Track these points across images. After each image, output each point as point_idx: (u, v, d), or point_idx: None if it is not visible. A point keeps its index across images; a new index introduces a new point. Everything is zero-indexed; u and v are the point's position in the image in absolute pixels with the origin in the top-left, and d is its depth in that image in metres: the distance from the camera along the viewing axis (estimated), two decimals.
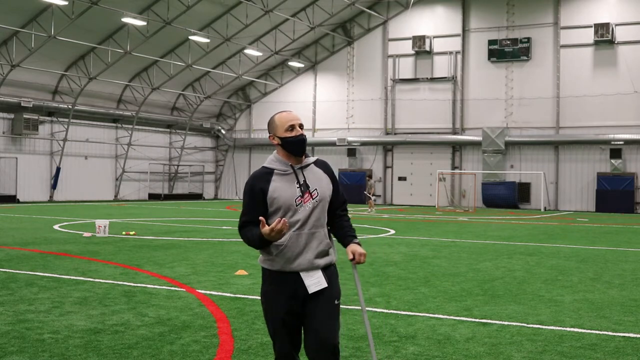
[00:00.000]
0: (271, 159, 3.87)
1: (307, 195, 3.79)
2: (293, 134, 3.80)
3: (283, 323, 3.83)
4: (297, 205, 3.75)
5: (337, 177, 28.56)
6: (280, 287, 3.80)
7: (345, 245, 3.98)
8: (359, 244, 3.96)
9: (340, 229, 4.01)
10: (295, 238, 3.76)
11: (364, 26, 43.38)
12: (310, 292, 3.78)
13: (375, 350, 4.27)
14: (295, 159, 3.84)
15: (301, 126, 3.84)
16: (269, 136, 3.89)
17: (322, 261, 3.84)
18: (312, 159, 3.92)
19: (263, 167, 3.87)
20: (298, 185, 3.79)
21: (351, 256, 3.88)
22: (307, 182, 3.82)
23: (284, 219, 3.62)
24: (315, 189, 3.83)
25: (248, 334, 6.47)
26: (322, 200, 3.85)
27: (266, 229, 3.61)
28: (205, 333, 6.50)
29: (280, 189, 3.75)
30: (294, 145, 3.80)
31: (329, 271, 3.90)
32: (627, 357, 5.89)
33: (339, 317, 3.92)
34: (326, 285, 3.82)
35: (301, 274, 3.79)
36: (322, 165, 3.96)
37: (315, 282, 3.80)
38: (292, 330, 3.86)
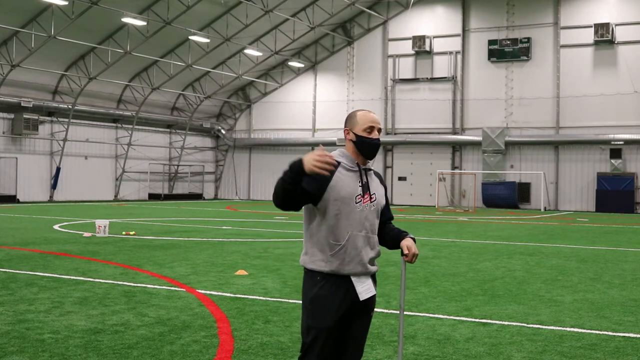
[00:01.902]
0: (337, 154, 3.77)
1: (367, 196, 3.74)
2: (371, 135, 3.76)
3: (329, 330, 3.66)
4: (356, 203, 3.69)
5: None
6: (333, 291, 3.66)
7: (399, 240, 3.88)
8: (413, 239, 3.87)
9: (392, 230, 3.96)
10: (353, 239, 3.68)
11: (364, 26, 43.38)
12: (361, 300, 3.71)
13: (402, 350, 4.19)
14: (362, 159, 3.79)
15: (379, 130, 3.80)
16: (344, 129, 3.81)
17: (374, 268, 3.81)
18: (370, 165, 3.91)
19: None
20: (360, 184, 3.73)
21: (406, 251, 3.79)
22: (369, 185, 3.79)
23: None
24: (374, 193, 3.80)
25: (248, 334, 6.47)
26: (378, 206, 3.82)
27: (313, 153, 3.42)
28: (205, 333, 6.50)
29: (344, 181, 3.68)
30: (368, 147, 3.76)
31: (375, 280, 3.89)
32: (627, 357, 5.89)
33: None
34: (375, 292, 3.81)
35: (353, 279, 3.70)
36: (379, 176, 3.94)
37: (366, 288, 3.73)
38: (333, 337, 3.71)
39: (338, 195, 3.64)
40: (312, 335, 3.65)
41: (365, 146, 3.75)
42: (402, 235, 3.90)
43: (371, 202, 3.75)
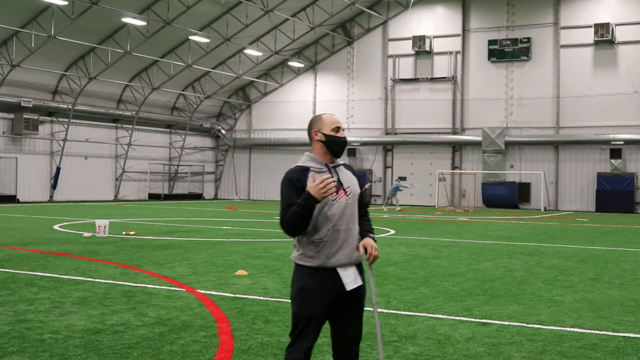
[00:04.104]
0: (305, 159, 4.03)
1: (341, 191, 3.97)
2: (339, 134, 4.02)
3: (317, 319, 3.92)
4: (332, 200, 3.91)
5: None
6: (319, 283, 3.90)
7: (362, 238, 4.12)
8: (374, 239, 4.09)
9: (360, 225, 4.16)
10: (333, 234, 3.91)
11: (364, 26, 43.38)
12: (347, 290, 3.93)
13: (383, 350, 4.29)
14: (330, 158, 4.03)
15: (343, 130, 4.09)
16: (312, 131, 4.04)
17: (356, 255, 4.01)
18: (340, 161, 4.15)
19: (298, 166, 4.01)
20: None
21: (362, 250, 4.00)
22: (341, 180, 4.01)
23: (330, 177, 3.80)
24: (349, 187, 4.03)
25: (248, 334, 6.47)
26: (354, 198, 4.04)
27: (314, 184, 3.74)
28: (205, 333, 6.50)
29: None
30: (337, 145, 4.01)
31: (362, 269, 4.09)
32: (627, 357, 5.89)
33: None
34: (362, 282, 4.02)
35: (338, 270, 3.93)
36: (350, 168, 4.19)
37: (352, 279, 3.96)
38: (319, 327, 3.96)
39: None
40: (302, 324, 3.92)
41: (335, 144, 4.00)
42: (363, 234, 4.12)
43: (347, 195, 4.00)
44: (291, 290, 4.02)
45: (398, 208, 32.97)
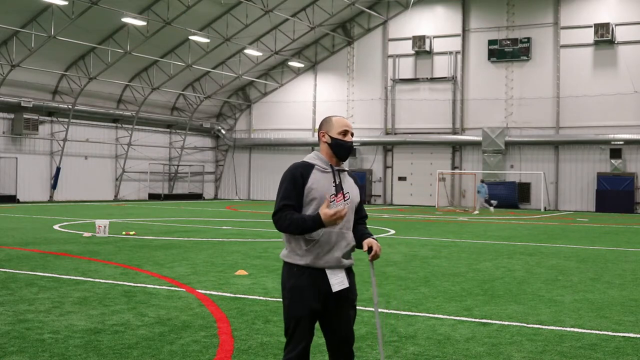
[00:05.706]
0: (312, 156, 4.05)
1: (340, 195, 3.98)
2: (345, 138, 4.03)
3: (307, 318, 3.92)
4: (330, 202, 3.92)
5: None
6: (306, 282, 3.91)
7: (361, 241, 4.09)
8: (375, 239, 4.08)
9: (358, 231, 4.16)
10: (326, 235, 3.92)
11: (364, 26, 43.38)
12: (333, 291, 3.94)
13: (383, 349, 4.31)
14: (336, 161, 4.05)
15: (352, 134, 4.09)
16: (320, 132, 4.07)
17: (347, 262, 4.03)
18: (345, 167, 4.17)
19: (304, 161, 4.04)
20: (334, 185, 3.99)
21: (366, 248, 4.00)
22: (342, 184, 4.03)
23: (346, 208, 3.86)
24: (348, 192, 4.04)
25: (248, 334, 6.47)
26: (352, 204, 4.06)
27: (329, 210, 3.76)
28: (205, 333, 6.51)
29: (318, 182, 3.94)
30: (342, 149, 4.02)
31: (351, 273, 4.10)
32: (627, 357, 5.89)
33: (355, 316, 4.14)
34: (348, 285, 4.00)
35: (327, 271, 3.94)
36: (353, 176, 4.21)
37: (339, 281, 3.96)
38: (312, 325, 3.97)
39: (313, 195, 3.93)
40: (293, 323, 3.93)
41: (340, 148, 4.02)
42: (364, 236, 4.12)
43: (345, 200, 4.01)
44: (282, 289, 4.02)
45: (476, 211, 33.36)
